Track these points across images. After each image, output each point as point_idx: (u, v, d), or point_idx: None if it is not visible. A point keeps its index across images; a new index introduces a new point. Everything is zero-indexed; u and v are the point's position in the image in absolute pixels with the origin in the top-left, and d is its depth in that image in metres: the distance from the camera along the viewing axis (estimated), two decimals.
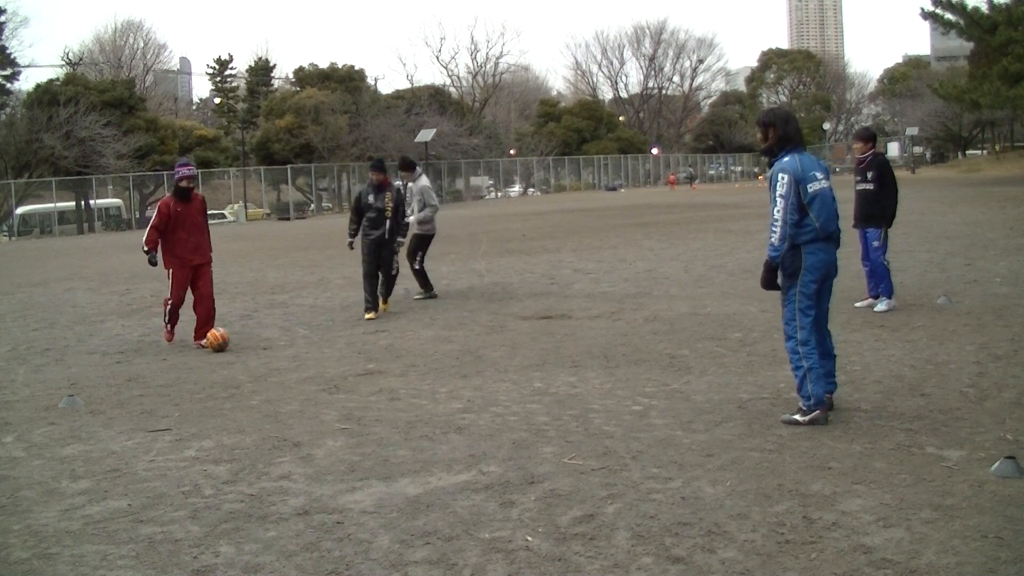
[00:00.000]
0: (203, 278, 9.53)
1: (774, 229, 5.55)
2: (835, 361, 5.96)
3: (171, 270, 9.43)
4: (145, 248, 9.40)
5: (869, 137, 9.90)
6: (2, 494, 5.00)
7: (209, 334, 9.06)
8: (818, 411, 5.57)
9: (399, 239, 11.05)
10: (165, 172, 49.86)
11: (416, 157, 62.28)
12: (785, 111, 6.08)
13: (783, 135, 5.66)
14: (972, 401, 5.98)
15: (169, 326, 9.55)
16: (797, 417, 5.62)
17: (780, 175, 5.54)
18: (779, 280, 5.74)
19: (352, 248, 11.19)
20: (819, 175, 5.65)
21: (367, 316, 10.56)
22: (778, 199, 5.51)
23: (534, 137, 74.62)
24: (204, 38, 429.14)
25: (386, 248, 10.87)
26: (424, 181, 12.13)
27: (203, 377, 7.84)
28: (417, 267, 12.01)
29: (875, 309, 9.48)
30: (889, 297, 9.54)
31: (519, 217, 32.44)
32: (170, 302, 9.43)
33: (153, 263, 9.50)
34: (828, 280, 5.77)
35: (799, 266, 5.61)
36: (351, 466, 5.20)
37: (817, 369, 5.61)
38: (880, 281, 9.60)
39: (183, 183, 9.45)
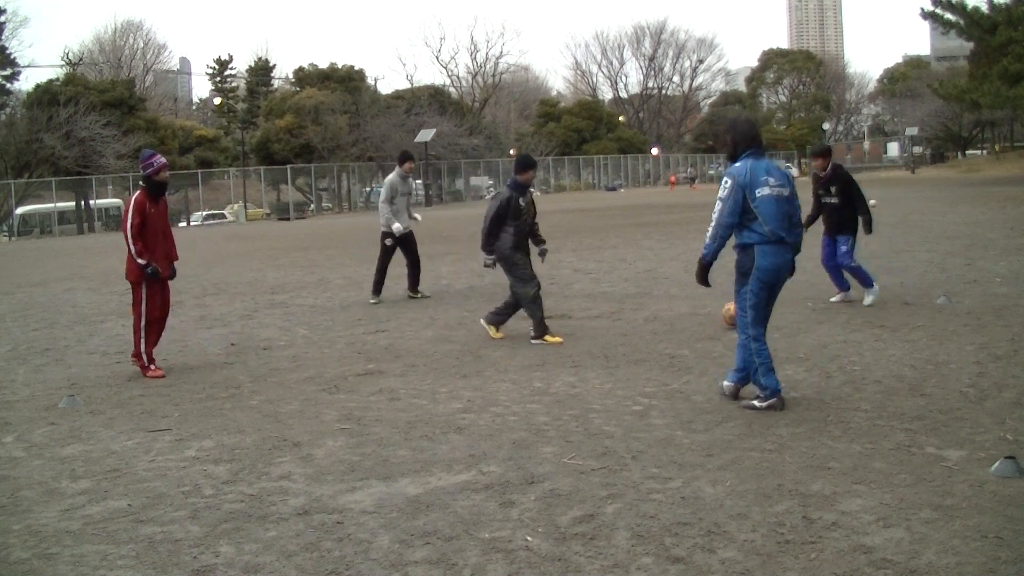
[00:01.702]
0: (167, 288, 8.35)
1: (708, 229, 5.93)
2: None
3: (143, 282, 8.02)
4: (142, 261, 7.90)
5: (826, 153, 10.23)
6: (2, 494, 5.00)
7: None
8: (774, 399, 5.87)
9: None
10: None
11: (416, 157, 62.38)
12: (737, 119, 6.56)
13: (731, 141, 6.04)
14: (972, 401, 5.98)
15: (147, 356, 8.02)
16: (755, 403, 5.94)
17: (724, 179, 5.93)
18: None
19: (491, 266, 9.00)
20: (772, 181, 5.85)
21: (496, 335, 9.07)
22: (717, 201, 5.87)
23: (534, 137, 74.58)
24: (204, 38, 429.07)
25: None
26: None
27: (203, 377, 7.83)
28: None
29: (864, 303, 9.68)
30: (871, 286, 9.81)
31: None
32: (143, 323, 8.01)
33: (156, 275, 8.03)
34: (779, 282, 6.02)
35: (750, 266, 5.86)
36: (351, 466, 5.20)
37: (768, 363, 5.90)
38: (860, 278, 9.87)
39: (160, 176, 8.07)
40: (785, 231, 5.83)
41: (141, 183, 8.18)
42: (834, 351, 7.68)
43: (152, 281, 8.03)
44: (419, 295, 12.02)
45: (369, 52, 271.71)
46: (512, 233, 8.71)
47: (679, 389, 6.65)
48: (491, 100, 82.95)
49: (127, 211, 8.02)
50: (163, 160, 8.19)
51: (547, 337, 8.58)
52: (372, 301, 11.77)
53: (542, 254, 9.13)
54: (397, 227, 11.79)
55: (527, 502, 4.52)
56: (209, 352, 9.02)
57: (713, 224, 5.86)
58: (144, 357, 8.00)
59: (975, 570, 3.62)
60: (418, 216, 12.32)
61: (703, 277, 6.14)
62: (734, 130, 6.09)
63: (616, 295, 11.62)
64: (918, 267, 12.70)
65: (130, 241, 7.90)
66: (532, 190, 9.32)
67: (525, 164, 9.01)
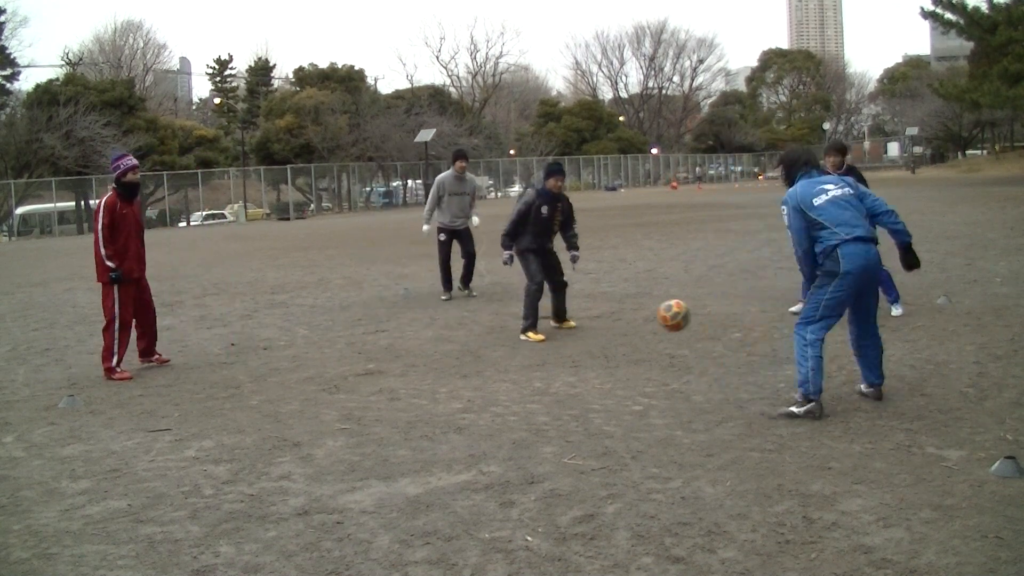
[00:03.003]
0: (144, 288, 8.25)
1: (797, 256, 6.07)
2: (882, 354, 6.12)
3: (120, 287, 7.91)
4: (112, 265, 7.83)
5: (843, 149, 9.73)
6: (2, 494, 5.00)
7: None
8: (813, 403, 5.73)
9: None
10: (165, 172, 50.02)
11: (416, 157, 62.10)
12: (787, 150, 6.64)
13: (786, 169, 6.19)
14: (972, 401, 5.98)
15: (118, 358, 7.86)
16: (793, 409, 5.78)
17: (782, 207, 6.01)
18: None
19: (508, 263, 9.32)
20: (830, 186, 5.90)
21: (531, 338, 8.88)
22: (788, 232, 6.00)
23: (534, 137, 74.61)
24: (204, 38, 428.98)
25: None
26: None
27: (203, 377, 7.83)
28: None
29: (892, 314, 9.36)
30: (898, 301, 9.51)
31: None
32: (116, 325, 7.86)
33: (119, 280, 7.90)
34: (869, 283, 5.94)
35: (837, 270, 5.74)
36: (351, 466, 5.20)
37: (819, 360, 5.78)
38: (886, 287, 9.55)
39: (130, 176, 7.95)
40: (858, 227, 5.78)
41: (112, 184, 8.15)
42: (834, 351, 7.67)
43: (125, 284, 7.97)
44: (468, 292, 11.92)
45: (369, 52, 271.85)
46: (531, 235, 8.99)
47: (679, 389, 6.65)
48: (491, 100, 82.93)
49: (97, 213, 7.96)
50: (133, 161, 8.12)
51: (530, 333, 8.79)
52: (443, 298, 11.77)
53: (573, 260, 9.27)
54: (425, 228, 11.97)
55: (527, 502, 4.52)
56: (209, 352, 9.01)
57: (797, 258, 6.06)
58: (115, 359, 7.86)
59: (975, 570, 3.62)
60: (475, 219, 11.93)
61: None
62: (785, 158, 6.30)
63: (616, 295, 11.62)
64: None
65: (100, 243, 7.85)
66: (564, 196, 9.18)
67: (548, 171, 9.17)
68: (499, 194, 67.04)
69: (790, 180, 6.09)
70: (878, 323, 6.12)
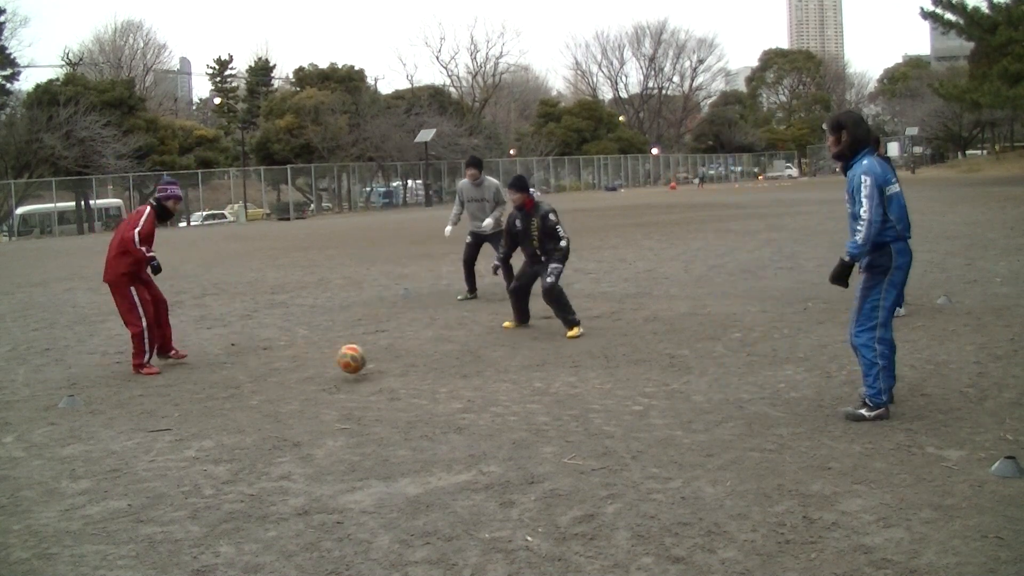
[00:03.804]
0: (150, 283, 8.51)
1: (859, 228, 5.50)
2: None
3: (136, 289, 8.27)
4: (151, 254, 8.29)
5: (878, 141, 9.77)
6: (2, 494, 5.00)
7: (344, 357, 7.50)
8: (883, 408, 5.63)
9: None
10: (165, 172, 49.98)
11: (416, 157, 62.11)
12: (856, 114, 6.03)
13: (854, 138, 5.63)
14: (972, 401, 5.98)
15: (149, 354, 8.26)
16: (863, 412, 5.64)
17: (863, 177, 5.52)
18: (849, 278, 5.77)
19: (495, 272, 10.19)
20: (892, 179, 5.76)
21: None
22: (864, 200, 5.48)
23: (534, 137, 74.59)
24: (204, 38, 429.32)
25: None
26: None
27: (203, 377, 7.83)
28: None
29: (899, 314, 9.37)
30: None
31: None
32: (143, 324, 8.20)
33: (159, 269, 8.34)
34: (906, 280, 5.90)
35: (889, 264, 5.65)
36: (351, 466, 5.20)
37: (891, 367, 5.70)
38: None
39: (171, 204, 8.53)
40: (908, 228, 5.73)
41: (152, 201, 8.54)
42: (834, 351, 7.68)
43: (139, 284, 8.29)
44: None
45: (369, 52, 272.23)
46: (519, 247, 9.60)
47: (679, 389, 6.65)
48: (491, 100, 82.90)
49: (138, 218, 8.30)
50: (179, 193, 8.75)
51: (507, 323, 9.62)
52: (459, 297, 11.83)
53: (550, 272, 9.10)
54: (447, 229, 12.18)
55: (527, 502, 4.52)
56: (209, 352, 9.01)
57: (866, 223, 5.48)
58: (147, 355, 8.18)
59: (975, 570, 3.62)
60: (489, 221, 11.65)
61: (843, 277, 5.74)
62: (857, 127, 5.66)
63: (616, 295, 11.62)
64: (918, 267, 12.67)
65: (137, 242, 8.15)
66: (541, 213, 9.16)
67: (508, 185, 9.45)
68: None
69: (854, 151, 5.60)
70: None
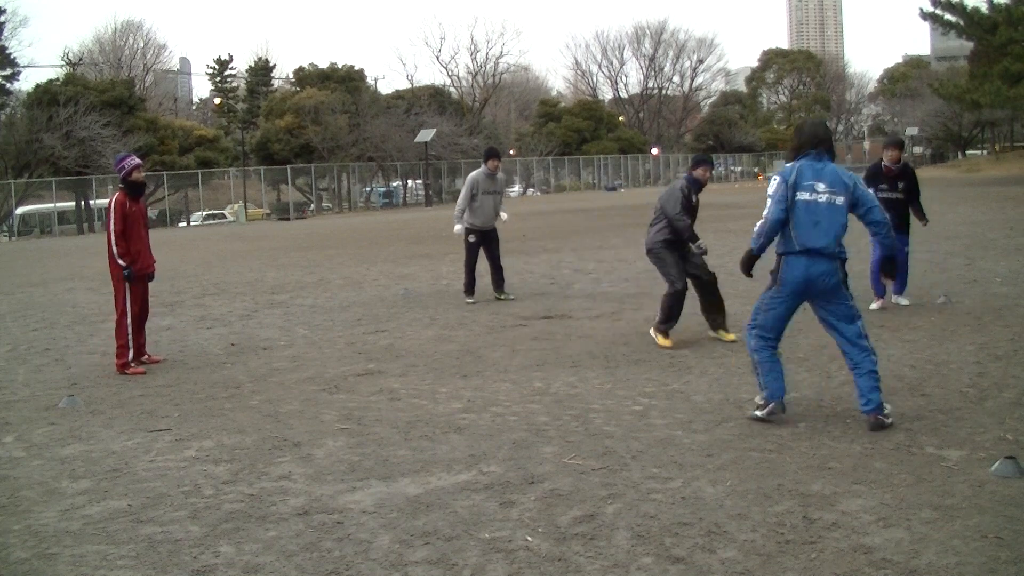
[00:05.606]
0: (147, 286, 8.49)
1: (757, 224, 5.77)
2: (874, 378, 5.54)
3: (126, 283, 8.14)
4: (123, 264, 8.07)
5: (901, 145, 9.86)
6: (2, 494, 5.00)
7: None
8: (772, 404, 5.69)
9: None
10: (165, 172, 49.98)
11: (416, 157, 62.02)
12: (805, 122, 6.19)
13: (795, 144, 5.86)
14: (972, 401, 5.98)
15: (133, 352, 8.18)
16: (756, 412, 5.76)
17: (773, 177, 5.78)
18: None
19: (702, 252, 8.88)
20: (821, 187, 5.54)
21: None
22: (767, 199, 5.73)
23: (534, 137, 74.57)
24: (204, 38, 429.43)
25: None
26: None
27: (203, 377, 7.83)
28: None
29: (901, 304, 9.73)
30: (903, 292, 9.88)
31: (519, 217, 32.44)
32: (128, 319, 8.12)
33: (132, 277, 8.15)
34: (803, 297, 5.67)
35: (777, 275, 5.71)
36: (351, 466, 5.20)
37: (767, 363, 5.72)
38: (904, 279, 9.81)
39: (135, 175, 8.17)
40: (817, 241, 5.49)
41: (120, 184, 8.35)
42: (834, 351, 7.65)
43: (135, 281, 8.22)
44: (504, 296, 11.60)
45: (369, 52, 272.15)
46: (667, 230, 8.54)
47: (679, 389, 6.65)
48: (491, 100, 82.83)
49: (108, 212, 8.19)
50: (136, 160, 8.35)
51: (660, 336, 8.39)
52: (468, 301, 11.48)
53: (698, 250, 8.63)
54: (457, 228, 11.68)
55: (527, 502, 4.52)
56: (209, 352, 9.01)
57: (761, 220, 5.64)
58: (131, 351, 8.14)
59: (975, 570, 3.62)
60: (504, 215, 11.75)
61: (748, 268, 5.90)
62: (799, 133, 5.86)
63: (616, 295, 11.62)
64: (918, 267, 12.67)
65: (113, 242, 8.10)
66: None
67: (696, 160, 8.72)
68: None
69: (794, 155, 5.75)
70: (869, 339, 5.72)
